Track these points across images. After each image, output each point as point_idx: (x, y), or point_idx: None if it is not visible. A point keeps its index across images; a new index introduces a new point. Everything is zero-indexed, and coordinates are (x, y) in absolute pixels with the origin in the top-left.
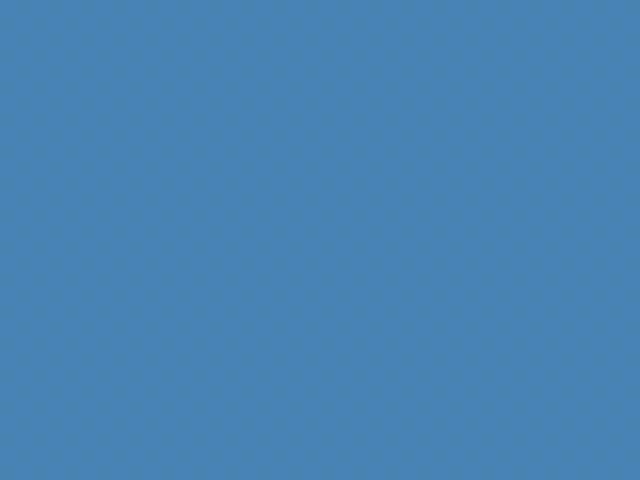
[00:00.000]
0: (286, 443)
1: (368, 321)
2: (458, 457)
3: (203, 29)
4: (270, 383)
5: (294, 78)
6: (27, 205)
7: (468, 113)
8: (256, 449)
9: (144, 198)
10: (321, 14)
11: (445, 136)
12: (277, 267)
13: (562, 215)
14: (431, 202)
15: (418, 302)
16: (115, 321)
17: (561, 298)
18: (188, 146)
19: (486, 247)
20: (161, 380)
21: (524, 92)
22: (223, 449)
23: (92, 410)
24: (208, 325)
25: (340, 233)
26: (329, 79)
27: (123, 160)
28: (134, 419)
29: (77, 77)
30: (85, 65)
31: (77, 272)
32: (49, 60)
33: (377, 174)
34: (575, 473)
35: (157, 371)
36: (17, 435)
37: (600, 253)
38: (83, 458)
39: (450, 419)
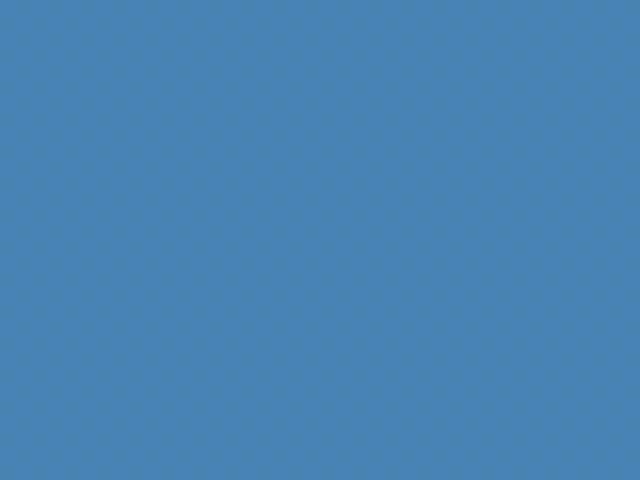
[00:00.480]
0: (286, 443)
1: (368, 321)
2: (458, 457)
3: (203, 29)
4: (270, 383)
5: (294, 78)
6: (27, 205)
7: (468, 113)
8: (256, 449)
9: (144, 198)
10: (321, 14)
11: (445, 136)
12: (277, 267)
13: (562, 215)
14: (431, 202)
15: (418, 302)
16: (115, 321)
17: (561, 298)
18: (188, 146)
19: (486, 247)
20: (161, 380)
21: (524, 92)
22: (223, 449)
23: (92, 410)
24: (208, 325)
25: (340, 233)
26: (329, 79)
27: (123, 160)
28: (134, 419)
29: (77, 77)
30: (85, 65)
31: (77, 272)
32: (49, 60)
33: (377, 174)
34: (575, 473)
35: (157, 371)
36: (17, 435)
37: (600, 253)
38: (83, 458)
39: (450, 419)
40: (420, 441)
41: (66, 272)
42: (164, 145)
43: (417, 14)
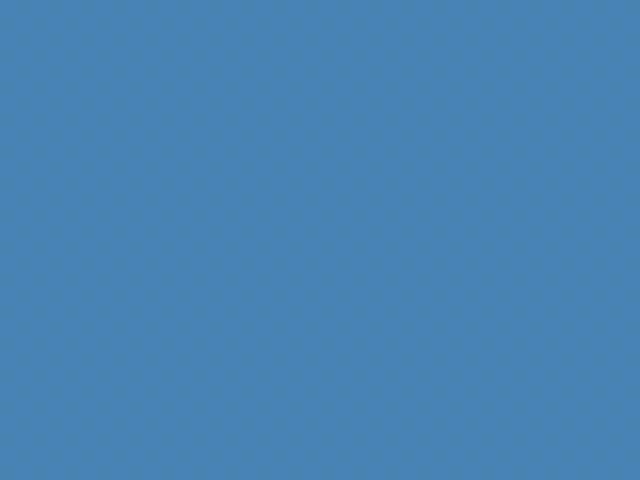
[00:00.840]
0: (286, 443)
1: (368, 321)
2: (458, 457)
3: (203, 29)
4: (270, 383)
5: (294, 78)
6: (27, 205)
7: (468, 113)
8: (256, 449)
9: (144, 198)
10: (321, 14)
11: (445, 136)
12: (277, 267)
13: (562, 215)
14: (431, 202)
15: (418, 302)
16: (115, 321)
17: (561, 298)
18: (188, 146)
19: (486, 247)
20: (161, 380)
21: (524, 92)
22: (223, 449)
23: (92, 410)
24: (208, 325)
25: (340, 233)
26: (329, 79)
27: (123, 160)
28: (134, 419)
29: (77, 77)
30: (85, 65)
31: (77, 272)
32: (49, 60)
33: (377, 174)
34: (575, 473)
35: (157, 371)
36: (17, 435)
37: (600, 253)
38: (83, 458)
39: (450, 419)
40: (420, 441)
41: (66, 272)
42: (164, 145)
43: (417, 14)
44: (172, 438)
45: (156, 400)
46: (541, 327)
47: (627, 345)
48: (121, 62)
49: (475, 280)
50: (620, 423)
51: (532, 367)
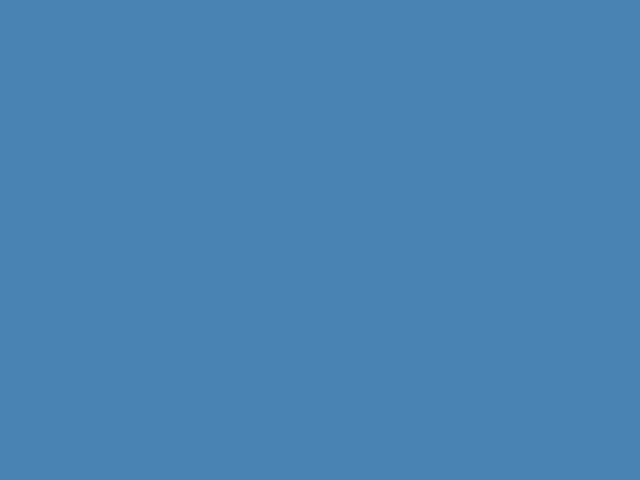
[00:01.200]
0: (286, 442)
1: (368, 321)
2: (458, 457)
3: (203, 29)
4: (270, 383)
5: (294, 78)
6: (27, 205)
7: (468, 113)
8: (256, 449)
9: (144, 198)
10: (321, 14)
11: (445, 136)
12: (277, 267)
13: (562, 215)
14: (431, 202)
15: (418, 302)
16: (115, 321)
17: (561, 298)
18: (188, 146)
19: (486, 247)
20: (161, 380)
21: (524, 92)
22: (223, 449)
23: (92, 410)
24: (208, 325)
25: (340, 233)
26: (329, 79)
27: (123, 160)
28: (134, 419)
29: (77, 77)
30: (85, 65)
31: (77, 272)
32: (49, 60)
33: (377, 174)
34: (575, 473)
35: (157, 371)
36: (17, 435)
37: (600, 253)
38: (83, 458)
39: (450, 419)
40: (420, 441)
41: (66, 272)
42: (164, 145)
43: (417, 14)
44: (172, 438)
45: (156, 400)
46: (541, 327)
47: (627, 345)
48: (121, 62)
49: (475, 280)
50: (620, 423)
51: (532, 367)
